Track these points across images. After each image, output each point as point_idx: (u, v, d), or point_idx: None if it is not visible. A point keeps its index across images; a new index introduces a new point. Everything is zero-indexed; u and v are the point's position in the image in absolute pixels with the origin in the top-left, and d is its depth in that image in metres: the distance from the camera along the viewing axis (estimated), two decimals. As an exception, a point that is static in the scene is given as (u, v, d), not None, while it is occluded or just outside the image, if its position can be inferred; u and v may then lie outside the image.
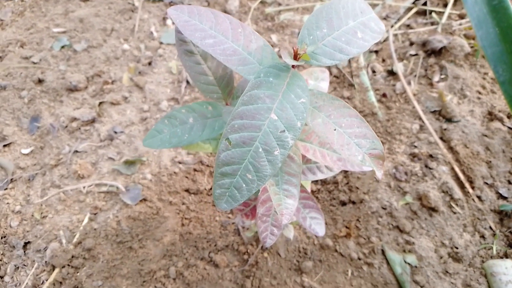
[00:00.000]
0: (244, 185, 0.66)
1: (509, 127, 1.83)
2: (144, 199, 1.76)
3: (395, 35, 2.19)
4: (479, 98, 1.91)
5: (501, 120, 1.85)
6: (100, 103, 2.06)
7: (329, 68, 2.08)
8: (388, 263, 1.61)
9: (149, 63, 2.21)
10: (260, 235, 1.12)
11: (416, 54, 2.07)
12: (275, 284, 1.63)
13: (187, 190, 1.82)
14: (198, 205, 1.81)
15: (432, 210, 1.64)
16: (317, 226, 1.20)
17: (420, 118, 1.85)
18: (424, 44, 2.07)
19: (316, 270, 1.68)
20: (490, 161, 1.75)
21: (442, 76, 1.93)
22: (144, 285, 1.59)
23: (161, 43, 2.28)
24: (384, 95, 1.94)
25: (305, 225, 1.19)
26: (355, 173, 1.79)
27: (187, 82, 2.07)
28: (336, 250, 1.69)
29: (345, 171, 1.83)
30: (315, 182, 1.86)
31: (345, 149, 0.67)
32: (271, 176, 0.65)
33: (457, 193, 1.64)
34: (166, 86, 2.11)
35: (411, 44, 2.13)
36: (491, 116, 1.87)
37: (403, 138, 1.80)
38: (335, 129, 0.68)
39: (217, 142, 1.21)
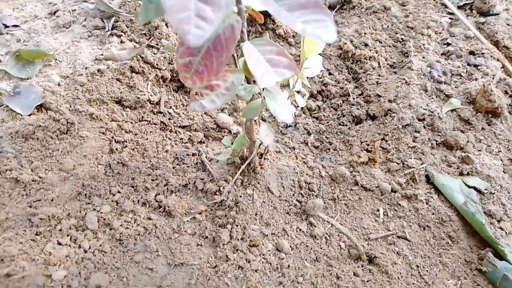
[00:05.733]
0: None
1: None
2: (46, 108, 1.07)
3: None
4: (511, -2, 1.51)
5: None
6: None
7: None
8: (439, 192, 1.05)
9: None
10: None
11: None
12: (268, 233, 0.99)
13: (119, 101, 1.15)
14: (137, 125, 1.15)
15: (492, 115, 1.13)
16: (318, 29, 0.60)
17: (449, 12, 1.38)
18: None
19: (328, 212, 1.07)
20: (546, 62, 1.31)
21: (463, -26, 1.50)
22: (37, 241, 0.88)
23: None
24: (395, -9, 1.46)
25: (297, 30, 0.59)
26: (372, 77, 1.25)
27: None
28: (356, 183, 1.10)
29: (356, 78, 1.28)
30: (314, 97, 1.28)
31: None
32: None
33: (522, 91, 1.16)
34: (91, -23, 1.46)
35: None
36: (530, 17, 1.46)
37: (431, 34, 1.31)
38: None
39: None
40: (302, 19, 0.58)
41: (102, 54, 1.20)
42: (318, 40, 0.59)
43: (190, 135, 1.20)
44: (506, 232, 0.96)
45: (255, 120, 0.98)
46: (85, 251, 0.90)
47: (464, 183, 1.03)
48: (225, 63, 0.62)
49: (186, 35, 0.46)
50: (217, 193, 1.06)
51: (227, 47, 0.58)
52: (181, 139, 1.19)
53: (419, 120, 1.14)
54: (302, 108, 1.27)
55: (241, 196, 1.04)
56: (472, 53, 1.26)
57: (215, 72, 0.62)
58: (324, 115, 1.24)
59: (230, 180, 1.07)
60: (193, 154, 1.16)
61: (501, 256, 0.92)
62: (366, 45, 1.29)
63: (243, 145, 1.04)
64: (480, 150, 1.09)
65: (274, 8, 0.58)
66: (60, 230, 0.92)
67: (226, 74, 0.75)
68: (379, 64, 1.26)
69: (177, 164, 1.13)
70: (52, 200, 0.96)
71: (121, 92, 1.14)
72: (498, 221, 0.98)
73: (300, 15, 0.58)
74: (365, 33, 1.31)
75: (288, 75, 0.67)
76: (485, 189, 1.02)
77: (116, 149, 1.09)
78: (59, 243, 0.90)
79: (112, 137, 1.10)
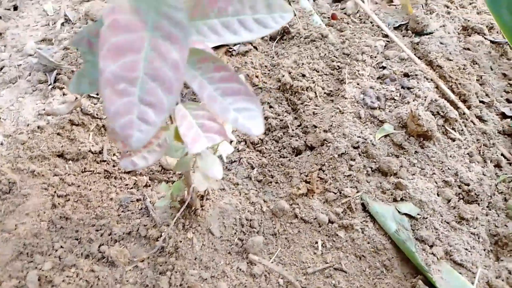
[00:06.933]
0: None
1: (491, 41, 1.44)
2: (-14, 171, 1.10)
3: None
4: (448, 13, 1.53)
5: (481, 32, 1.46)
6: None
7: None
8: (374, 220, 1.07)
9: (15, 7, 1.60)
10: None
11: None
12: (207, 277, 1.01)
13: (61, 155, 1.19)
14: (80, 177, 1.18)
15: (424, 138, 1.15)
16: (249, 120, 0.63)
17: (385, 35, 1.40)
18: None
19: (269, 248, 1.09)
20: (481, 77, 1.33)
21: (401, -7, 1.53)
22: (-26, 307, 0.91)
23: (33, -16, 1.69)
24: (333, 17, 1.49)
25: (229, 119, 0.62)
26: (309, 108, 1.27)
27: (66, 19, 1.48)
28: (296, 216, 1.12)
29: (295, 109, 1.31)
30: (255, 131, 1.31)
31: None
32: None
33: (453, 111, 1.18)
34: (37, 29, 1.51)
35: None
36: (466, 31, 1.48)
37: (366, 59, 1.33)
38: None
39: None
40: (234, 106, 0.61)
41: (44, 109, 1.23)
42: (248, 132, 0.61)
43: (135, 180, 1.23)
44: (437, 258, 0.98)
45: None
46: (25, 312, 0.93)
47: (397, 210, 1.05)
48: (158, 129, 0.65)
49: (129, 139, 0.47)
50: (159, 239, 1.08)
51: None
52: (126, 185, 1.21)
53: (354, 148, 1.16)
54: (246, 142, 1.29)
55: (181, 241, 1.06)
56: (406, 75, 1.28)
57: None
58: (266, 148, 1.26)
59: (171, 225, 1.10)
60: (138, 200, 1.18)
61: (431, 284, 0.94)
62: (303, 75, 1.31)
63: (181, 190, 1.07)
64: (414, 174, 1.11)
65: (209, 93, 0.60)
66: (0, 293, 0.94)
67: (159, 131, 0.78)
68: (315, 94, 1.28)
69: (122, 212, 1.15)
70: (-8, 263, 0.99)
71: (62, 146, 1.18)
72: (431, 247, 1.00)
73: (233, 102, 0.61)
74: (302, 63, 1.34)
75: (218, 140, 0.70)
76: (418, 214, 1.04)
77: (59, 203, 1.12)
78: (-1, 307, 0.92)
79: (55, 192, 1.13)
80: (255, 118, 0.62)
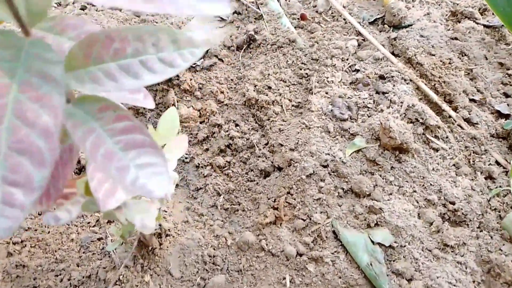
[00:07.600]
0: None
1: (485, 25, 1.26)
2: None
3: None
4: (434, -2, 1.36)
5: (471, 17, 1.28)
6: None
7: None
8: (347, 251, 0.95)
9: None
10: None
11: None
12: (163, 326, 0.93)
13: (14, 199, 1.13)
14: (37, 220, 1.12)
15: (400, 151, 1.01)
16: (151, 178, 0.52)
17: (358, 33, 1.26)
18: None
19: (234, 287, 0.99)
20: (472, 70, 1.16)
21: (378, -19, 1.36)
22: None
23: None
24: (302, 17, 1.35)
25: (126, 183, 0.52)
26: (275, 125, 1.16)
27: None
28: (262, 248, 1.02)
29: (261, 125, 1.19)
30: (224, 153, 1.21)
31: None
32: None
33: (433, 118, 1.02)
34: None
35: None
36: (455, 16, 1.30)
37: (337, 63, 1.19)
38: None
39: None
40: (137, 161, 0.51)
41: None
42: (149, 196, 0.52)
43: (98, 217, 1.16)
44: (416, 294, 0.85)
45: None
46: None
47: (370, 238, 0.92)
48: (63, 187, 0.58)
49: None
50: (117, 282, 1.01)
51: (64, 173, 0.54)
52: (88, 223, 1.15)
53: (323, 167, 1.03)
54: (212, 166, 1.20)
55: (137, 285, 0.98)
56: (381, 77, 1.14)
57: (53, 199, 0.58)
58: (233, 171, 1.16)
59: (130, 267, 1.02)
60: (99, 239, 1.11)
61: (407, 326, 0.81)
62: (269, 88, 1.20)
63: (131, 232, 0.99)
64: (390, 194, 0.98)
65: (105, 149, 0.51)
66: None
67: (82, 180, 0.70)
68: (282, 108, 1.16)
69: (82, 253, 1.09)
70: None
71: (16, 189, 1.13)
72: (409, 281, 0.87)
73: (136, 156, 0.51)
74: (269, 74, 1.22)
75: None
76: (395, 242, 0.91)
77: (15, 251, 1.06)
78: None
79: (10, 239, 1.08)
80: (160, 174, 0.52)
